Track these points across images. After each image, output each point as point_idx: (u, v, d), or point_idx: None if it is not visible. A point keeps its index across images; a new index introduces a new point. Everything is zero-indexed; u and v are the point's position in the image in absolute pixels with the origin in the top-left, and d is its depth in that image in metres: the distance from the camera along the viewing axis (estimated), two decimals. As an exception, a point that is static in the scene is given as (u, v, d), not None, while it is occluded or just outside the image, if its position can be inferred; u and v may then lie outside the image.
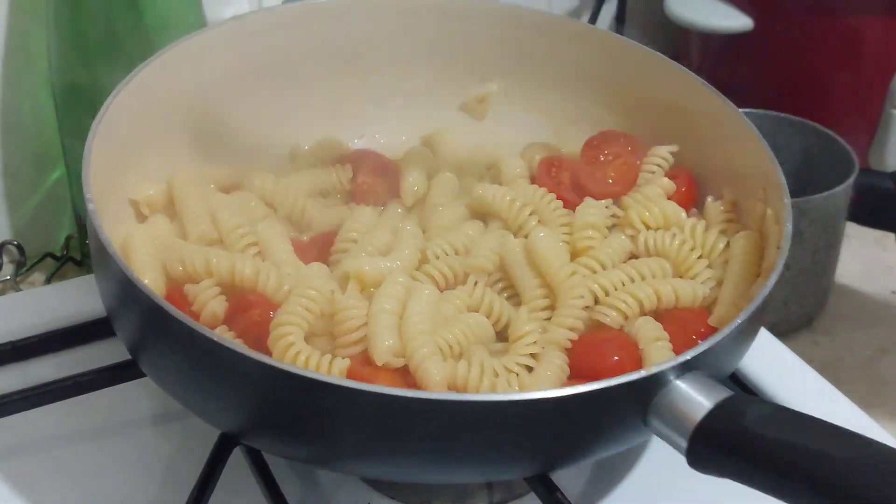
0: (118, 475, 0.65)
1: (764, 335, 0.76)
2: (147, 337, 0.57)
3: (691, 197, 0.72)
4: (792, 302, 0.87)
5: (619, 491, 0.66)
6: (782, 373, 0.73)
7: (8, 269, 0.84)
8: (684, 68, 0.73)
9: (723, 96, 0.70)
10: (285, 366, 0.52)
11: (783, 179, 0.64)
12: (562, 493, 0.58)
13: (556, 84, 0.78)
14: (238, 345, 0.53)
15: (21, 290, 0.83)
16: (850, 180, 0.84)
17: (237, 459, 0.61)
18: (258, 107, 0.75)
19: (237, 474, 0.62)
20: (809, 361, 0.75)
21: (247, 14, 0.75)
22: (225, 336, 0.57)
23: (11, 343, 0.71)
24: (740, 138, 0.68)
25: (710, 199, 0.71)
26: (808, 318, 0.89)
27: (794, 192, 0.87)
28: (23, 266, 0.85)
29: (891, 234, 0.92)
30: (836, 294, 0.92)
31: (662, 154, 0.73)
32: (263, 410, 0.55)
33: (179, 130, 0.71)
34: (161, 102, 0.69)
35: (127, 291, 0.55)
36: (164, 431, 0.67)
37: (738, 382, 0.71)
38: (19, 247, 0.84)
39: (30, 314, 0.74)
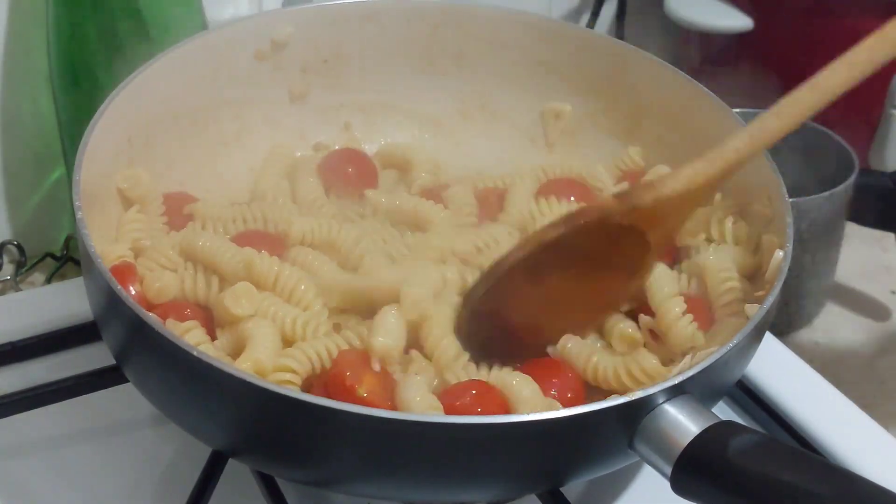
0: (118, 476, 0.65)
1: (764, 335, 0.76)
2: (132, 350, 0.56)
3: None
4: (792, 302, 0.87)
5: (621, 492, 0.66)
6: (782, 373, 0.73)
7: (8, 269, 0.84)
8: (685, 75, 0.72)
9: (723, 103, 0.70)
10: (270, 385, 0.50)
11: (787, 200, 0.63)
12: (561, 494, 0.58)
13: (553, 92, 0.78)
14: (221, 361, 0.51)
15: (21, 290, 0.83)
16: (850, 180, 0.84)
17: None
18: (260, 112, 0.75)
19: (236, 473, 0.62)
20: (809, 361, 0.75)
21: (248, 17, 0.74)
22: (209, 352, 0.56)
23: (11, 343, 0.71)
24: None
25: (719, 195, 0.69)
26: (808, 318, 0.89)
27: (794, 192, 0.87)
28: (23, 266, 0.84)
29: (891, 234, 0.92)
30: (836, 294, 0.92)
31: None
32: (250, 430, 0.54)
33: (175, 136, 0.70)
34: (158, 108, 0.68)
35: (112, 304, 0.54)
36: (163, 432, 0.67)
37: (737, 383, 0.71)
38: (19, 247, 0.84)
39: (30, 314, 0.74)
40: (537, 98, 0.78)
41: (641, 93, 0.74)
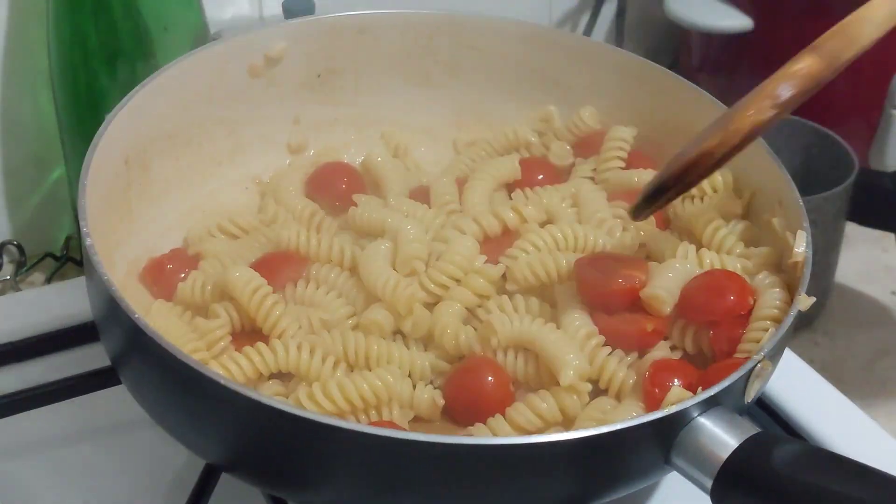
0: (118, 476, 0.65)
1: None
2: (129, 358, 0.56)
3: None
4: (792, 302, 0.87)
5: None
6: (782, 373, 0.72)
7: (8, 269, 0.84)
8: (689, 82, 0.72)
9: (724, 107, 0.69)
10: (272, 401, 0.49)
11: (801, 201, 0.62)
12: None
13: (560, 100, 0.77)
14: (218, 374, 0.50)
15: (21, 290, 0.83)
16: (850, 180, 0.84)
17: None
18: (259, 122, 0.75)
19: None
20: (809, 361, 0.75)
21: (242, 33, 0.73)
22: (206, 364, 0.55)
23: (11, 343, 0.71)
24: (751, 154, 0.66)
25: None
26: (808, 319, 0.89)
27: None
28: (23, 266, 0.84)
29: (891, 234, 0.92)
30: (836, 294, 0.92)
31: (623, 136, 0.72)
32: (247, 447, 0.53)
33: (170, 155, 0.70)
34: (153, 127, 0.68)
35: (111, 311, 0.54)
36: (163, 432, 0.67)
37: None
38: (19, 247, 0.84)
39: (30, 314, 0.74)
40: (533, 107, 0.77)
41: (639, 98, 0.74)
